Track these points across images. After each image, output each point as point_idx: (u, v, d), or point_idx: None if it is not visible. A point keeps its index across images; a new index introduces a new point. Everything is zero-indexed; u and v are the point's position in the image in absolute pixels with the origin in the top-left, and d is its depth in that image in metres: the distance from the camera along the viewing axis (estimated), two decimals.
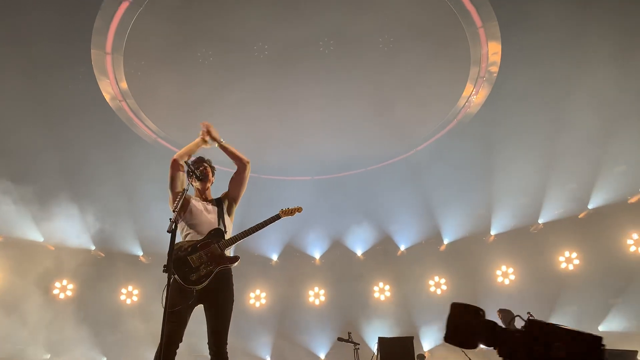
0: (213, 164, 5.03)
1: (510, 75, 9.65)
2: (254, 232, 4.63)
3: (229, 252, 4.59)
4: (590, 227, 12.36)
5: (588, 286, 11.87)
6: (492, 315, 12.29)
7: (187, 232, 4.54)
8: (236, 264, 4.53)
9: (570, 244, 12.69)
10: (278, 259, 14.11)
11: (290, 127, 11.44)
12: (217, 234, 4.53)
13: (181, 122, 11.02)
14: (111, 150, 10.87)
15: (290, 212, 4.91)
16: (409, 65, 9.92)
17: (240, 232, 4.61)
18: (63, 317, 11.33)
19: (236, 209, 4.95)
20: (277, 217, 4.79)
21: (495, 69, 9.62)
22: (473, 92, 10.33)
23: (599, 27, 8.48)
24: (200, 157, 4.94)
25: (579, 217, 12.61)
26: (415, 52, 9.66)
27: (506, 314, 8.31)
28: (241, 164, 4.89)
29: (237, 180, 4.89)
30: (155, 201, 10.54)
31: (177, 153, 4.73)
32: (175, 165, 4.64)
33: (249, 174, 4.91)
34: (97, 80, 9.46)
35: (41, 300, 11.23)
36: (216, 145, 4.90)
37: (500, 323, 8.05)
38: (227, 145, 4.90)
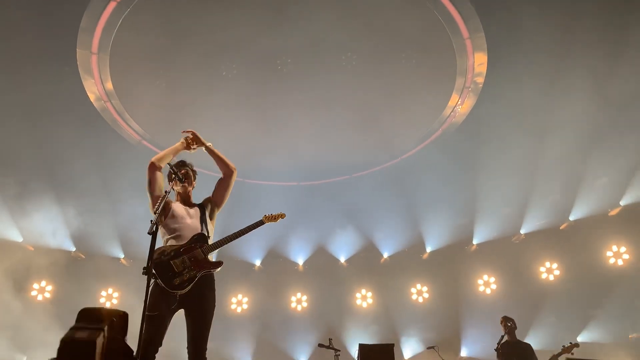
0: (195, 168, 5.00)
1: (495, 87, 9.75)
2: (237, 238, 4.63)
3: (212, 257, 4.57)
4: (571, 239, 12.50)
5: (568, 297, 11.99)
6: (475, 324, 12.40)
7: (169, 236, 4.51)
8: (219, 269, 4.52)
9: (551, 254, 12.82)
10: (261, 264, 14.05)
11: (276, 133, 11.42)
12: (201, 238, 4.51)
13: (166, 125, 10.94)
14: (94, 151, 10.74)
15: (273, 218, 4.94)
16: (396, 74, 9.99)
17: (224, 237, 4.59)
18: (40, 319, 11.14)
19: (218, 214, 4.93)
20: (260, 223, 4.82)
21: (480, 79, 9.71)
22: (458, 102, 10.42)
23: (582, 42, 8.61)
24: (182, 160, 4.92)
25: (560, 228, 12.75)
26: (402, 61, 9.73)
27: (513, 322, 8.29)
28: (227, 170, 4.89)
29: (222, 187, 4.89)
30: (138, 204, 10.44)
31: (155, 156, 4.72)
32: (152, 168, 4.62)
33: (234, 180, 4.91)
34: (82, 80, 9.37)
35: (18, 302, 11.03)
36: (203, 149, 4.88)
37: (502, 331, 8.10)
38: (214, 150, 4.89)
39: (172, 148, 4.83)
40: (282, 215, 5.00)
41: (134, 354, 3.68)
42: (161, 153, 4.78)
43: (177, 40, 9.22)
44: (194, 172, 4.98)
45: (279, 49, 9.47)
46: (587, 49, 8.69)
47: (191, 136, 4.86)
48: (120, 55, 9.23)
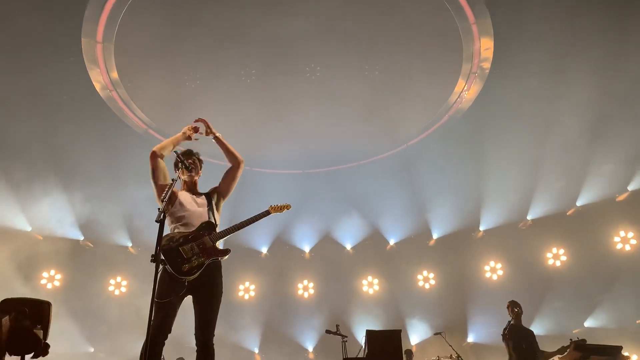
0: (201, 157, 5.01)
1: (501, 72, 9.68)
2: (244, 227, 4.66)
3: (219, 245, 4.60)
4: (578, 224, 12.46)
5: (575, 282, 11.98)
6: (482, 310, 12.42)
7: (176, 223, 4.53)
8: (227, 256, 4.54)
9: (558, 240, 12.79)
10: (268, 251, 14.10)
11: (282, 121, 11.40)
12: (209, 226, 4.55)
13: (172, 113, 10.95)
14: (101, 141, 10.79)
15: (279, 208, 4.94)
16: (402, 60, 9.92)
17: (231, 226, 4.62)
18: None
19: (224, 203, 4.95)
20: (266, 213, 4.83)
21: (487, 65, 9.64)
22: (465, 88, 10.35)
23: (589, 27, 8.53)
24: (189, 149, 4.91)
25: (567, 214, 12.70)
26: (408, 47, 9.66)
27: (519, 307, 8.29)
28: (235, 162, 4.92)
29: (229, 177, 4.91)
30: (145, 193, 10.47)
31: (157, 146, 4.73)
32: (154, 157, 4.63)
33: (241, 172, 4.93)
34: (88, 70, 9.37)
35: (28, 290, 11.14)
36: (212, 139, 4.92)
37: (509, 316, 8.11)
38: (223, 140, 4.91)
39: (173, 138, 4.85)
40: (287, 207, 4.98)
41: (42, 343, 3.78)
42: (163, 142, 4.80)
43: (182, 28, 9.20)
44: (200, 161, 4.97)
45: (284, 36, 9.41)
46: (594, 34, 8.61)
47: (198, 125, 4.88)
48: (125, 44, 9.21)
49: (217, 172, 5.04)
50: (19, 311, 3.97)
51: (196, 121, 4.92)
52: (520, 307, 8.24)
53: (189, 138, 4.89)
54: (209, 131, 4.89)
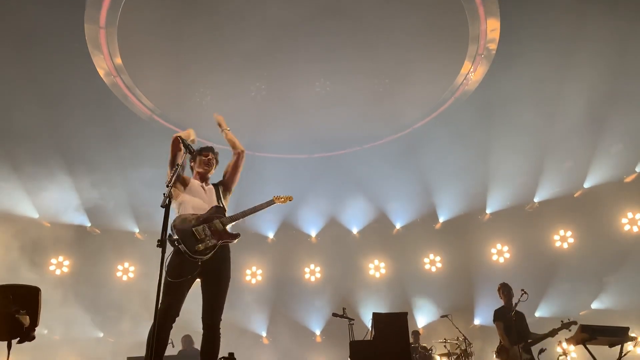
0: (216, 152, 5.14)
1: (508, 53, 9.57)
2: (251, 214, 4.80)
3: (230, 229, 4.65)
4: (586, 206, 12.39)
5: (582, 264, 11.96)
6: (488, 293, 12.43)
7: (186, 209, 4.58)
8: (237, 240, 4.59)
9: (565, 222, 12.75)
10: (274, 236, 14.14)
11: (287, 105, 11.35)
12: (219, 210, 4.64)
13: (176, 99, 10.93)
14: (106, 126, 10.77)
15: (282, 199, 5.08)
16: (407, 42, 9.82)
17: (239, 212, 4.75)
18: (59, 293, 11.35)
19: (230, 197, 5.08)
20: (271, 202, 4.97)
21: (493, 46, 9.53)
22: (471, 70, 10.25)
23: (598, 5, 8.41)
24: (209, 146, 5.06)
25: (575, 195, 12.64)
26: (413, 29, 9.55)
27: (508, 289, 8.33)
28: (238, 151, 5.05)
29: (232, 168, 5.02)
30: (150, 178, 10.50)
31: (179, 133, 4.77)
32: (176, 143, 4.64)
33: (243, 163, 5.06)
34: (91, 56, 9.34)
35: (37, 277, 11.23)
36: (220, 131, 5.15)
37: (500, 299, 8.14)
38: (230, 134, 5.14)
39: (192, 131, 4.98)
40: (289, 198, 5.12)
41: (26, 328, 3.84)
42: (185, 131, 4.90)
43: (185, 12, 9.13)
44: (217, 161, 5.10)
45: (288, 19, 9.32)
46: (602, 14, 8.48)
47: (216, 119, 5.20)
48: (128, 30, 9.15)
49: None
50: (2, 297, 4.01)
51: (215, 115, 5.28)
52: (508, 290, 8.29)
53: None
54: (221, 127, 5.18)
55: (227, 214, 4.81)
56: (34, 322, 4.01)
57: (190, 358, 9.07)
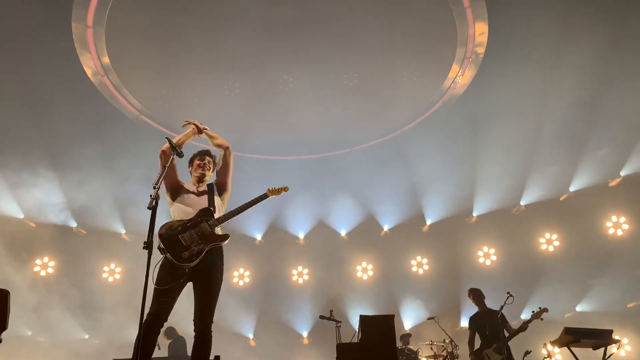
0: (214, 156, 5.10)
1: (496, 57, 9.64)
2: (242, 212, 4.73)
3: (219, 231, 4.61)
4: (571, 210, 12.51)
5: (567, 267, 12.07)
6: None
7: (177, 214, 4.61)
8: (226, 242, 4.56)
9: (551, 225, 12.86)
10: (262, 238, 14.11)
11: (276, 106, 11.34)
12: (206, 213, 4.59)
13: (164, 99, 10.88)
14: (93, 127, 10.70)
15: (277, 191, 5.03)
16: (396, 45, 9.86)
17: (228, 211, 4.70)
18: (44, 294, 11.24)
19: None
20: (264, 197, 4.91)
21: (481, 50, 9.60)
22: (459, 73, 10.31)
23: (585, 12, 8.52)
24: (207, 150, 5.04)
25: (560, 199, 12.76)
26: (402, 32, 9.59)
27: (477, 294, 8.47)
28: (223, 148, 4.99)
29: (222, 166, 4.99)
30: (138, 179, 10.44)
31: (165, 145, 4.69)
32: (162, 157, 4.60)
33: (231, 158, 5.00)
34: (79, 55, 9.26)
35: (22, 277, 11.11)
36: (202, 135, 5.04)
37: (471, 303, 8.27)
38: (210, 133, 5.05)
39: (183, 135, 4.91)
40: (285, 189, 5.08)
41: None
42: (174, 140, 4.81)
43: (173, 13, 9.10)
44: (215, 163, 5.07)
45: (277, 21, 9.32)
46: (590, 18, 8.58)
47: (192, 124, 4.98)
48: (116, 29, 9.09)
49: None
50: None
51: (184, 125, 5.00)
52: (478, 294, 8.41)
53: (199, 133, 5.01)
54: (198, 130, 4.99)
55: (221, 213, 4.79)
56: (1, 326, 3.94)
57: (180, 354, 9.03)
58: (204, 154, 4.99)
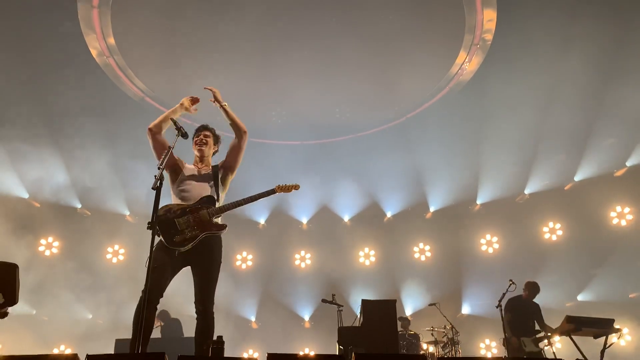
0: (218, 134, 5.00)
1: (504, 44, 9.56)
2: (246, 204, 4.67)
3: (219, 220, 4.60)
4: (576, 199, 12.49)
5: (570, 256, 12.07)
6: (476, 282, 12.55)
7: (177, 196, 4.58)
8: (224, 232, 4.54)
9: (554, 215, 12.84)
10: (265, 222, 14.15)
11: (281, 90, 11.29)
12: (209, 201, 4.56)
13: (169, 81, 10.84)
14: (98, 108, 10.70)
15: (287, 188, 4.89)
16: (403, 31, 9.78)
17: (231, 202, 4.63)
18: (48, 274, 11.33)
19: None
20: (272, 192, 4.81)
21: (489, 36, 9.51)
22: (466, 60, 10.23)
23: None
24: (204, 124, 4.94)
25: (565, 188, 12.72)
26: (409, 17, 9.51)
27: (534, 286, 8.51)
28: (239, 132, 4.86)
29: (235, 149, 4.88)
30: (142, 161, 10.45)
31: (152, 122, 4.68)
32: (150, 135, 4.61)
33: (245, 143, 4.88)
34: (84, 35, 9.23)
35: (26, 257, 11.18)
36: (219, 108, 4.87)
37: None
38: (229, 110, 4.86)
39: (169, 111, 4.77)
40: (296, 187, 4.93)
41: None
42: (159, 118, 4.73)
43: None
44: (217, 137, 4.98)
45: (282, 3, 9.25)
46: (600, 7, 8.49)
47: (208, 91, 4.86)
48: (122, 10, 9.04)
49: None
50: None
51: (206, 88, 4.88)
52: (534, 286, 8.47)
53: (188, 109, 4.85)
54: (216, 100, 4.85)
55: (223, 201, 4.77)
56: (11, 300, 3.97)
57: (174, 336, 9.12)
58: (201, 129, 4.88)
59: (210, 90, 4.87)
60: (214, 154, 4.99)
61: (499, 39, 9.47)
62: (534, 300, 8.43)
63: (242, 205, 4.66)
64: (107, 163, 11.55)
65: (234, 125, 4.85)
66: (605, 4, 8.52)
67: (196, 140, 4.82)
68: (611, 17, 8.68)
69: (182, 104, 4.83)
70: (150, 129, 4.61)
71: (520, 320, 8.13)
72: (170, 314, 9.65)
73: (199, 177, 4.68)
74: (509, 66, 9.91)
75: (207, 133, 4.88)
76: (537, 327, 8.15)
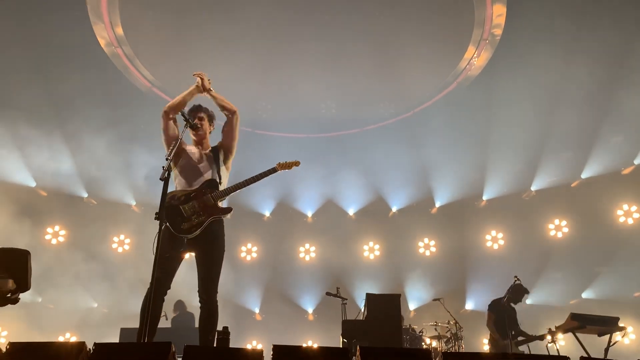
0: (211, 112, 4.92)
1: (513, 39, 9.50)
2: (248, 185, 4.62)
3: (222, 203, 4.59)
4: (582, 196, 12.42)
5: (575, 254, 12.02)
6: (481, 278, 12.53)
7: (180, 180, 4.54)
8: (229, 215, 4.55)
9: (560, 212, 12.78)
10: (270, 214, 14.16)
11: (288, 84, 11.28)
12: (211, 184, 4.54)
13: (177, 72, 10.83)
14: (106, 97, 10.73)
15: (287, 165, 4.85)
16: (411, 25, 9.74)
17: (234, 184, 4.59)
18: (55, 262, 11.39)
19: (232, 160, 4.90)
20: (273, 171, 4.76)
21: (498, 31, 9.46)
22: (475, 55, 10.18)
23: None
24: (197, 105, 4.85)
25: (572, 185, 12.66)
26: (418, 11, 9.47)
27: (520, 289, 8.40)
28: (229, 113, 4.82)
29: (227, 130, 4.84)
30: (148, 151, 10.47)
31: (168, 104, 4.66)
32: (165, 118, 4.59)
33: (238, 122, 4.83)
34: (92, 24, 9.23)
35: (33, 245, 11.25)
36: (207, 95, 4.81)
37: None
38: (215, 95, 4.81)
39: (185, 93, 4.72)
40: (296, 163, 4.90)
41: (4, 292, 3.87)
42: (174, 100, 4.70)
43: None
44: (211, 116, 4.92)
45: None
46: (610, 3, 8.42)
47: (198, 78, 4.75)
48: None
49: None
50: None
51: (195, 74, 4.79)
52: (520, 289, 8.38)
53: (202, 90, 4.76)
54: (203, 87, 4.75)
55: (226, 182, 4.75)
56: (23, 286, 3.99)
57: (184, 326, 9.16)
58: (194, 110, 4.79)
59: (199, 76, 4.78)
60: (210, 132, 4.94)
61: (508, 35, 9.42)
62: (536, 298, 8.37)
63: (245, 186, 4.61)
64: (114, 152, 11.58)
65: (224, 108, 4.81)
66: (614, 1, 8.45)
67: (191, 122, 4.62)
68: (621, 15, 8.61)
69: (197, 86, 4.74)
70: (165, 112, 4.59)
71: (501, 322, 8.08)
72: (185, 306, 9.70)
73: (200, 159, 4.66)
74: (517, 62, 9.86)
75: (201, 115, 4.81)
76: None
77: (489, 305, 8.24)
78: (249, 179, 4.61)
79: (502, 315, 7.91)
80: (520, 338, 7.97)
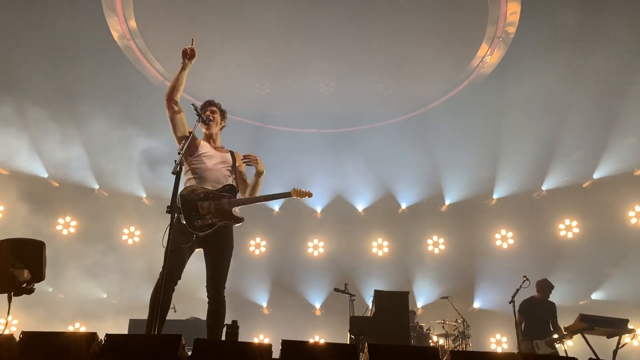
0: (223, 108, 4.90)
1: (527, 37, 9.43)
2: (263, 201, 4.94)
3: (237, 212, 4.57)
4: (593, 197, 12.33)
5: (586, 255, 11.95)
6: (489, 277, 12.49)
7: (194, 175, 4.52)
8: (239, 224, 4.52)
9: (571, 212, 12.70)
10: (280, 209, 14.19)
11: (298, 78, 11.28)
12: (231, 190, 4.53)
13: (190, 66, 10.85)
14: (118, 90, 10.79)
15: (301, 194, 5.02)
16: (424, 22, 9.69)
17: (252, 196, 4.76)
18: (66, 253, 11.50)
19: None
20: (287, 195, 4.94)
21: (512, 29, 9.39)
22: (488, 53, 10.12)
23: None
24: (209, 100, 4.84)
25: (583, 186, 12.56)
26: (431, 7, 9.42)
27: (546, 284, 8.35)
28: (259, 174, 4.87)
29: (244, 179, 4.90)
30: (160, 144, 10.53)
31: (167, 91, 4.57)
32: (169, 105, 4.54)
33: (259, 182, 4.90)
34: (106, 17, 9.27)
35: (44, 236, 11.34)
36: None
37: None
38: (260, 179, 4.88)
39: (177, 71, 4.60)
40: (309, 194, 5.09)
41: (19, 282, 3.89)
42: (171, 82, 4.62)
43: None
44: (222, 111, 4.89)
45: None
46: (624, 5, 8.34)
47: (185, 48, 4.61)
48: None
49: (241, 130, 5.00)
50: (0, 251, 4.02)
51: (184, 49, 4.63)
52: (547, 285, 8.31)
53: (190, 59, 4.62)
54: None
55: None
56: (38, 276, 4.03)
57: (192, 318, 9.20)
58: (206, 105, 4.76)
59: (251, 157, 4.83)
60: (221, 129, 4.91)
61: (522, 33, 9.35)
62: (550, 299, 8.30)
63: (260, 201, 4.86)
64: (126, 145, 11.64)
65: (253, 189, 4.87)
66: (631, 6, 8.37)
67: (203, 117, 4.61)
68: (638, 12, 8.51)
69: (183, 56, 4.60)
70: (168, 99, 4.54)
71: (535, 323, 8.03)
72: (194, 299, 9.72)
73: (214, 157, 4.62)
74: (530, 60, 9.78)
75: (213, 109, 4.78)
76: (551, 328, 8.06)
77: (519, 308, 8.07)
78: (264, 196, 4.82)
79: (532, 315, 7.91)
80: (554, 336, 7.88)
